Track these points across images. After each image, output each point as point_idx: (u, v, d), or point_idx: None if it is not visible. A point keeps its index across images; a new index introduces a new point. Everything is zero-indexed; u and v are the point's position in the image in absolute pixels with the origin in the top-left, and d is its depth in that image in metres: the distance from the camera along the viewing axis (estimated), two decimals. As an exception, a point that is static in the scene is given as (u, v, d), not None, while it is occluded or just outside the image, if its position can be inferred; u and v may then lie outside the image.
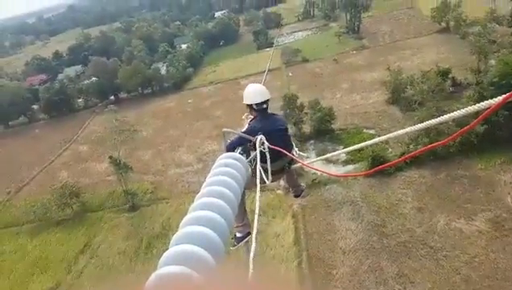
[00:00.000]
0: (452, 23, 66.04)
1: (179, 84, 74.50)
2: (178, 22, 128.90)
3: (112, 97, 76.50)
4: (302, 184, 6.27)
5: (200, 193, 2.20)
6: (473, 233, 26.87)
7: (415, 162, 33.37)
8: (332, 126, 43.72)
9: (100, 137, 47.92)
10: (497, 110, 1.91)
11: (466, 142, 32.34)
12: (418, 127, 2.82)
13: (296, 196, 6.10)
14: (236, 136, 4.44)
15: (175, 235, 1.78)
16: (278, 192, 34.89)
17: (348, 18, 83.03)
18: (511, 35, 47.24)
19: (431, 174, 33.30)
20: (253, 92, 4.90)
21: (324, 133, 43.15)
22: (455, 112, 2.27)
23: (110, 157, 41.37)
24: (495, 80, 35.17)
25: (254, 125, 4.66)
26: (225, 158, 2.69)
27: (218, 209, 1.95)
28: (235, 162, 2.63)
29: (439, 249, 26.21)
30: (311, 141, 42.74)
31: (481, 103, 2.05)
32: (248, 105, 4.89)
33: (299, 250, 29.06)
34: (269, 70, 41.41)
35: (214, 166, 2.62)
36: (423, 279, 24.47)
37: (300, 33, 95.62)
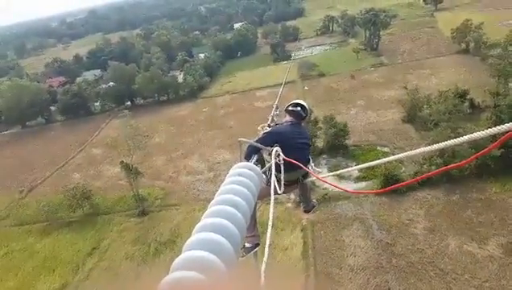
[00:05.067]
0: (472, 45, 65.64)
1: (194, 92, 75.13)
2: (197, 32, 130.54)
3: (128, 103, 77.42)
4: (314, 200, 6.26)
5: (213, 201, 2.22)
6: (485, 257, 26.38)
7: (428, 182, 33.01)
8: (346, 141, 43.56)
9: (114, 141, 48.54)
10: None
11: (481, 164, 31.88)
12: (434, 148, 2.78)
13: (306, 211, 6.09)
14: (260, 137, 4.56)
15: (188, 241, 1.80)
16: (288, 205, 34.75)
17: (368, 34, 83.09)
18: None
19: (445, 195, 32.88)
20: (295, 99, 5.38)
21: (338, 148, 42.99)
22: (473, 134, 2.23)
23: (121, 162, 41.72)
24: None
25: (277, 128, 4.98)
26: (240, 167, 2.71)
27: (231, 218, 1.96)
28: (249, 172, 2.64)
29: (449, 271, 25.77)
30: (324, 156, 42.55)
31: (501, 126, 2.02)
32: (285, 110, 5.27)
33: (307, 264, 28.83)
34: (285, 83, 41.57)
35: (228, 175, 2.65)
36: (432, 302, 24.05)
37: (318, 47, 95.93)
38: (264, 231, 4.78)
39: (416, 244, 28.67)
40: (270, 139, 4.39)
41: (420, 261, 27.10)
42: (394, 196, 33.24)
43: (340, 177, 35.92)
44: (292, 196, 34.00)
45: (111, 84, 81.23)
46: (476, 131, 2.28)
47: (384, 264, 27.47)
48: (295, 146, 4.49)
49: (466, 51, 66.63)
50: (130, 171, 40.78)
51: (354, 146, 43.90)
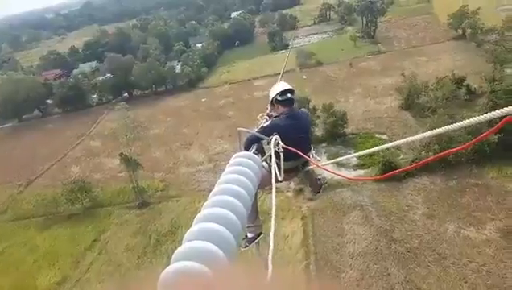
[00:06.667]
0: (468, 31, 65.38)
1: (193, 83, 74.82)
2: (194, 22, 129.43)
3: (126, 94, 77.04)
4: (319, 177, 5.96)
5: (213, 191, 2.22)
6: (482, 241, 26.60)
7: (426, 168, 33.11)
8: (345, 130, 43.56)
9: (112, 133, 48.36)
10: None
11: (478, 150, 31.95)
12: (431, 133, 2.77)
13: (316, 192, 6.01)
14: (258, 130, 4.38)
15: (188, 231, 1.81)
16: (288, 194, 34.84)
17: (365, 22, 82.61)
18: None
19: (442, 181, 33.01)
20: (276, 86, 4.78)
21: (337, 137, 43.02)
22: (471, 119, 2.22)
23: (121, 154, 41.64)
24: (510, 88, 34.80)
25: (275, 122, 4.57)
26: (240, 157, 2.71)
27: (232, 207, 1.97)
28: (249, 161, 2.65)
29: (448, 256, 25.99)
30: (323, 144, 42.51)
31: (498, 111, 2.00)
32: (274, 101, 4.74)
33: (307, 252, 28.99)
34: (283, 72, 41.44)
35: (228, 164, 2.65)
36: (431, 286, 24.26)
37: (316, 36, 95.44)
38: (265, 220, 4.81)
39: (415, 230, 28.85)
40: (269, 132, 4.30)
41: (419, 246, 27.30)
42: (393, 183, 33.33)
43: (339, 165, 35.92)
44: (292, 185, 34.10)
45: (108, 75, 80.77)
46: (471, 117, 2.27)
47: (383, 250, 27.66)
48: (295, 138, 4.35)
49: (462, 37, 66.42)
50: (130, 163, 40.73)
51: (353, 134, 43.92)
